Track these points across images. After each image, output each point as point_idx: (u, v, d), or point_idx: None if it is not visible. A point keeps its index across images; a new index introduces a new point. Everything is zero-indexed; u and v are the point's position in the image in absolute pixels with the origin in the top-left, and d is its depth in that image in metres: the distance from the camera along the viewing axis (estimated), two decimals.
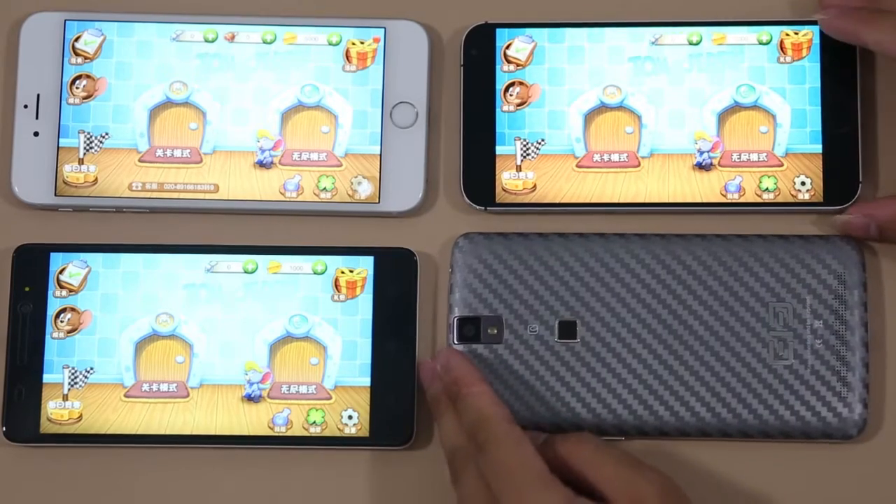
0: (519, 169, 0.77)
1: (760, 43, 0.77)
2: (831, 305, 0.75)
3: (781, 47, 0.77)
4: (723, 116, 0.77)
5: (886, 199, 0.75)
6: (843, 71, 0.76)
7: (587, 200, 0.76)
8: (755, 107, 0.77)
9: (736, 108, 0.77)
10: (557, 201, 0.76)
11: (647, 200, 0.76)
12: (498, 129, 0.77)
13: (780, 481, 0.75)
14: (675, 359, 0.75)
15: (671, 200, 0.76)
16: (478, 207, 0.76)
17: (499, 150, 0.77)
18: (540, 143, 0.77)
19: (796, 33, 0.77)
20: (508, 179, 0.77)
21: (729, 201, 0.76)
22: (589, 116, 0.77)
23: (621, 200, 0.76)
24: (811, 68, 0.76)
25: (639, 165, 0.76)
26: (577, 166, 0.77)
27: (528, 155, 0.77)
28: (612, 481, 0.66)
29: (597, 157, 0.77)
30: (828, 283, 0.75)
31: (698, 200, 0.76)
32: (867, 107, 0.77)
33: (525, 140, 0.77)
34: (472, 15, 0.78)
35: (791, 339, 0.75)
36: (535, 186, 0.76)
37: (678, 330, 0.75)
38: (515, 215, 0.77)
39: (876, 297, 0.77)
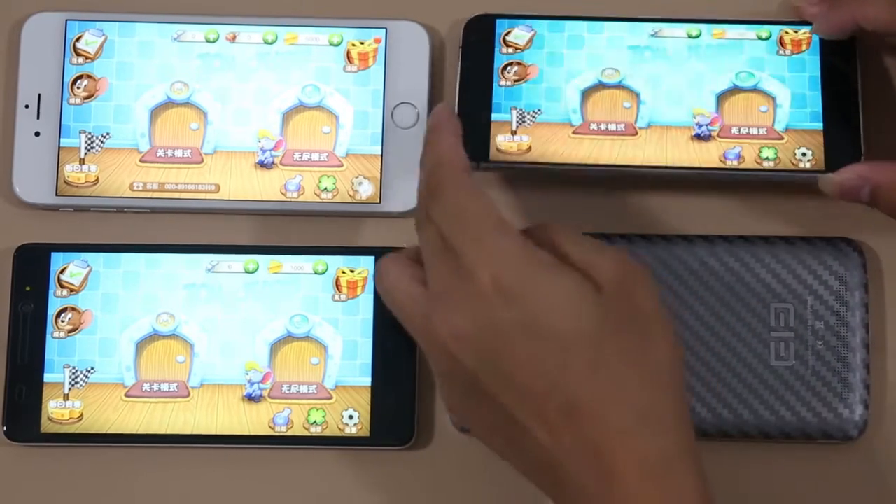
0: (514, 133, 0.76)
1: (760, 38, 0.77)
2: (832, 307, 0.75)
3: (781, 42, 0.77)
4: (722, 97, 0.76)
5: (885, 162, 0.74)
6: (843, 62, 0.76)
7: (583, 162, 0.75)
8: (755, 90, 0.76)
9: (735, 90, 0.76)
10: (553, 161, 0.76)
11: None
12: (494, 100, 0.76)
13: (780, 481, 0.75)
14: None
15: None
16: (472, 163, 0.73)
17: (494, 117, 0.76)
18: (536, 113, 0.76)
19: (795, 31, 0.77)
20: (503, 142, 0.76)
21: (728, 167, 0.75)
22: (587, 92, 0.76)
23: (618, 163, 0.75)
24: (811, 60, 0.76)
25: (636, 134, 0.76)
26: (574, 133, 0.76)
27: (523, 122, 0.76)
28: (573, 253, 0.64)
29: (593, 126, 0.76)
30: (829, 285, 0.75)
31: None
32: (868, 90, 0.76)
33: (521, 109, 0.76)
34: (472, 14, 0.78)
35: (792, 340, 0.75)
36: (529, 148, 0.76)
37: (679, 330, 0.75)
38: (509, 180, 0.76)
39: (877, 299, 0.77)
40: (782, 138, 0.75)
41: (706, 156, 0.75)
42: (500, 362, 0.62)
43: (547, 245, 0.64)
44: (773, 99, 0.76)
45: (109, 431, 0.75)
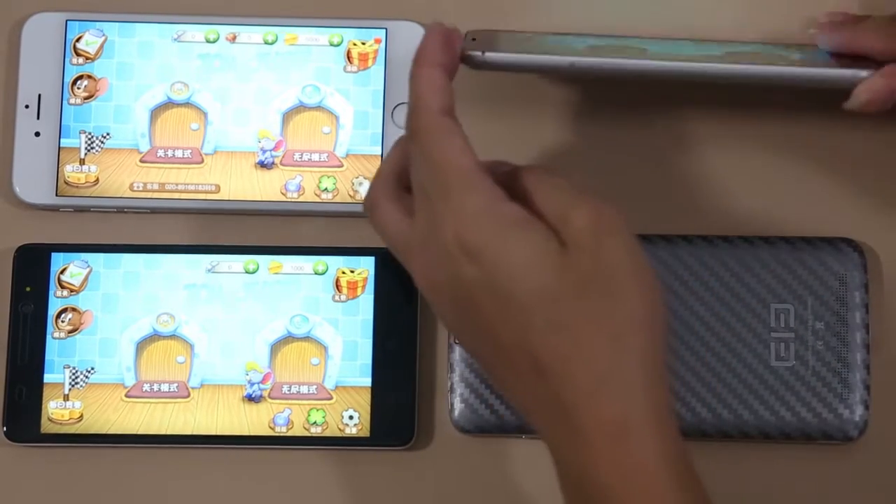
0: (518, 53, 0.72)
1: (765, 44, 0.76)
2: (833, 307, 0.75)
3: (786, 46, 0.76)
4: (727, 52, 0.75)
5: None
6: None
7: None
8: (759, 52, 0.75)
9: (737, 52, 0.74)
10: None
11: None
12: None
13: (781, 482, 0.75)
14: (677, 359, 0.75)
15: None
16: (476, 53, 0.70)
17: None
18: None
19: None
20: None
21: (738, 51, 0.73)
22: (591, 47, 0.75)
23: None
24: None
25: (645, 51, 0.73)
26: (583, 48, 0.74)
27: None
28: (545, 205, 0.63)
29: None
30: (829, 285, 0.75)
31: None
32: None
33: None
34: (474, 15, 0.78)
35: (792, 340, 0.75)
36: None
37: (679, 330, 0.75)
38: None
39: (877, 299, 0.77)
40: (794, 51, 0.74)
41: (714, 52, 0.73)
42: (473, 315, 0.63)
43: (520, 194, 0.64)
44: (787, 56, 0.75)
45: (109, 432, 0.75)
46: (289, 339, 0.76)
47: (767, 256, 0.76)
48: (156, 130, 0.78)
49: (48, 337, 0.76)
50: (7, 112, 0.78)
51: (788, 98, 0.78)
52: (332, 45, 0.78)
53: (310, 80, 0.78)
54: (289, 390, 0.75)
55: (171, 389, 0.75)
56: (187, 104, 0.78)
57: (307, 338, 0.76)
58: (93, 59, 0.78)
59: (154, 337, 0.76)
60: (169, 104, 0.78)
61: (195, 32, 0.78)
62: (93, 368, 0.75)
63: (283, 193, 0.77)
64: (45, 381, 0.75)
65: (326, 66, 0.78)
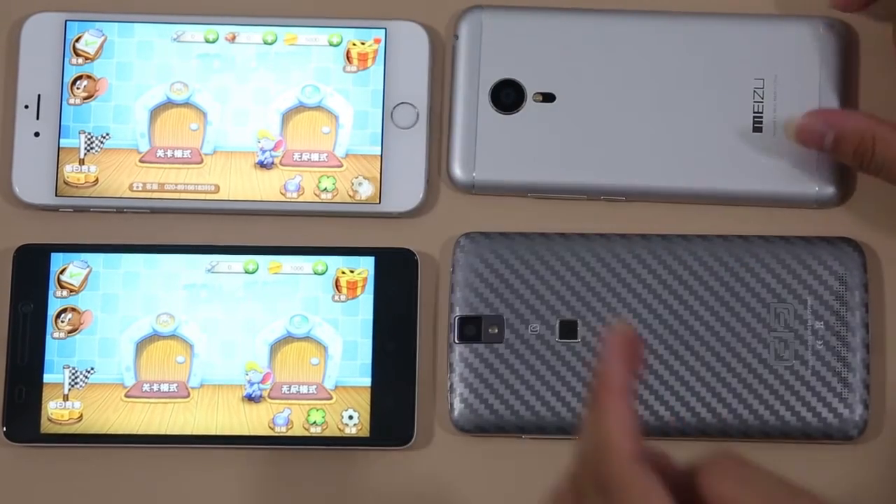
0: None
1: None
2: (832, 306, 0.75)
3: None
4: None
5: (851, 112, 0.74)
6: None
7: None
8: None
9: None
10: None
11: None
12: None
13: None
14: (676, 359, 0.75)
15: None
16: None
17: None
18: None
19: None
20: None
21: None
22: None
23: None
24: None
25: None
26: None
27: None
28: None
29: None
30: (829, 285, 0.75)
31: None
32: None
33: None
34: None
35: (792, 339, 0.75)
36: None
37: (679, 330, 0.75)
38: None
39: (877, 299, 0.77)
40: None
41: None
42: None
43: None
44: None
45: (109, 432, 0.75)
46: (288, 339, 0.76)
47: (767, 256, 0.76)
48: (155, 130, 0.78)
49: (48, 337, 0.76)
50: (7, 112, 0.78)
51: None
52: (331, 45, 0.78)
53: (309, 80, 0.78)
54: (288, 390, 0.75)
55: (171, 389, 0.75)
56: (187, 104, 0.78)
57: (307, 338, 0.76)
58: (92, 59, 0.78)
59: (154, 337, 0.76)
60: (168, 104, 0.78)
61: (194, 32, 0.78)
62: (92, 368, 0.75)
63: (282, 193, 0.77)
64: (45, 381, 0.75)
65: (326, 66, 0.78)
